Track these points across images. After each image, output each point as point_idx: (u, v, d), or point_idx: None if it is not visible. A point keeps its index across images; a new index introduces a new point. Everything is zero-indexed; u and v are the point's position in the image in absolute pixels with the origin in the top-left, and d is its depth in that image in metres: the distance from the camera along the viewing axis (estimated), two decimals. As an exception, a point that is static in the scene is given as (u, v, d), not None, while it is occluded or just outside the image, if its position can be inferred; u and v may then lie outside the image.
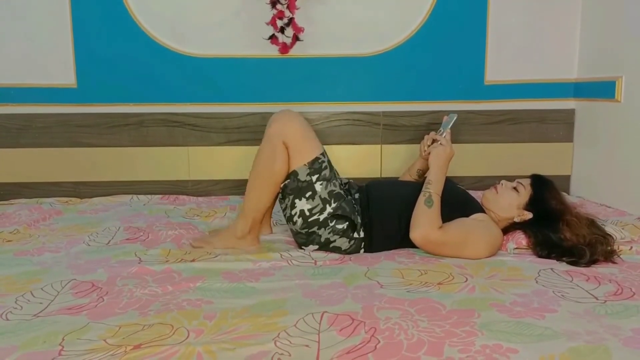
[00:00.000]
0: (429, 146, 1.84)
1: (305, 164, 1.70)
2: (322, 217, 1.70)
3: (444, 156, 1.75)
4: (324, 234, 1.71)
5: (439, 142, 1.78)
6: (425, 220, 1.62)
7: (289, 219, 1.75)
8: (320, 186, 1.71)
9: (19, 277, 1.45)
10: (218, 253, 1.66)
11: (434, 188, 1.68)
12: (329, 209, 1.71)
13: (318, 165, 1.72)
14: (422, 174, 1.96)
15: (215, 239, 1.77)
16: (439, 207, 1.66)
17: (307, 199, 1.70)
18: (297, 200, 1.71)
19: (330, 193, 1.72)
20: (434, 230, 1.61)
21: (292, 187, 1.71)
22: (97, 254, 1.65)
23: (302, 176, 1.70)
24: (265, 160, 1.71)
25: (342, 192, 1.76)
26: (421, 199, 1.67)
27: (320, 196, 1.71)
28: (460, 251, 1.62)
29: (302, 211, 1.71)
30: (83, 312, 1.22)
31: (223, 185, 2.58)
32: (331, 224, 1.70)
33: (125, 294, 1.33)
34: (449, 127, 1.81)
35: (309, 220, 1.71)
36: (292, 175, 1.71)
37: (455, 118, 1.83)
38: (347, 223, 1.71)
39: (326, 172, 1.73)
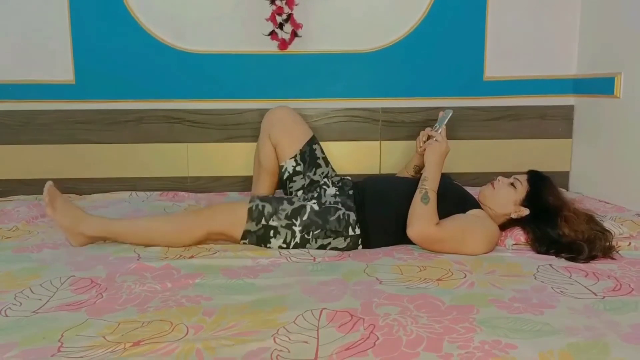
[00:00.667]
0: (424, 142, 1.84)
1: (247, 221, 1.68)
2: (298, 238, 1.70)
3: (439, 152, 1.75)
4: (314, 244, 1.71)
5: (434, 139, 1.78)
6: (421, 217, 1.62)
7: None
8: (275, 221, 1.70)
9: (18, 274, 1.44)
10: (217, 250, 1.66)
11: (429, 185, 1.68)
12: (297, 229, 1.70)
13: (257, 213, 1.69)
14: (419, 170, 1.96)
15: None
16: (435, 204, 1.66)
17: (274, 237, 1.70)
18: (269, 245, 1.71)
19: (287, 217, 1.71)
20: (430, 226, 1.61)
21: (254, 242, 1.71)
22: (96, 251, 1.65)
23: (253, 228, 1.69)
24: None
25: (300, 202, 1.75)
26: (417, 195, 1.67)
27: (281, 226, 1.70)
28: (458, 247, 1.62)
29: (280, 247, 1.71)
30: (82, 309, 1.22)
31: (222, 182, 2.58)
32: (310, 236, 1.70)
33: (125, 290, 1.33)
34: (445, 123, 1.81)
35: (292, 247, 1.71)
36: (246, 234, 1.69)
37: (450, 114, 1.83)
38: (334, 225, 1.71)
39: (268, 208, 1.70)
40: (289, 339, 1.06)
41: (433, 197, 1.66)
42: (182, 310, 1.21)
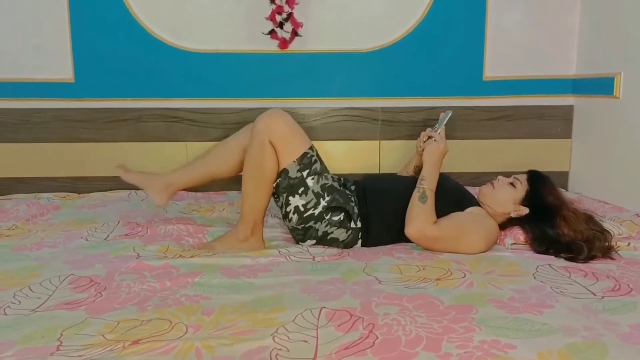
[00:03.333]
0: (424, 142, 1.84)
1: (294, 161, 1.70)
2: (317, 211, 1.71)
3: (438, 152, 1.76)
4: (321, 227, 1.71)
5: (433, 139, 1.79)
6: (419, 216, 1.63)
7: (285, 216, 1.75)
8: (312, 181, 1.71)
9: (17, 272, 1.44)
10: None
11: (427, 184, 1.69)
12: (323, 202, 1.71)
13: (307, 161, 1.72)
14: (419, 171, 1.96)
15: (219, 244, 1.73)
16: (433, 203, 1.66)
17: (300, 195, 1.70)
18: (290, 198, 1.71)
19: (322, 187, 1.72)
20: (428, 225, 1.61)
21: (284, 185, 1.71)
22: (95, 249, 1.65)
23: (293, 173, 1.70)
24: (254, 161, 1.69)
25: (334, 184, 1.76)
26: (415, 195, 1.68)
27: (313, 191, 1.71)
28: (456, 246, 1.62)
29: (296, 207, 1.71)
30: (81, 307, 1.22)
31: (221, 181, 2.57)
32: (327, 217, 1.71)
33: (124, 289, 1.33)
34: (444, 123, 1.83)
35: (305, 215, 1.71)
36: (282, 173, 1.70)
37: (449, 115, 1.85)
38: (343, 214, 1.72)
39: (317, 167, 1.73)
40: (288, 338, 1.06)
41: (431, 196, 1.67)
42: (181, 309, 1.21)
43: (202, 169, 1.89)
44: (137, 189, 2.50)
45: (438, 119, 1.86)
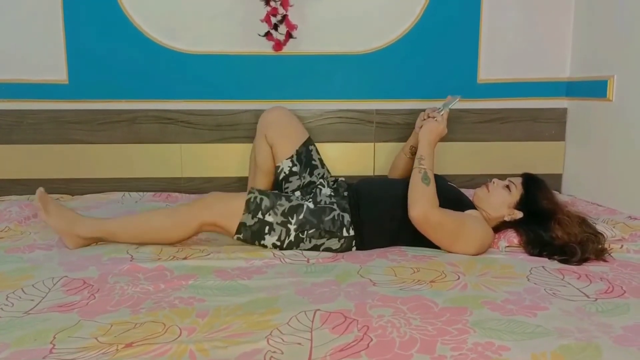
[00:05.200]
0: (423, 121, 1.84)
1: (243, 213, 1.67)
2: (293, 237, 1.69)
3: (436, 132, 1.76)
4: (307, 244, 1.71)
5: (434, 119, 1.78)
6: (424, 198, 1.62)
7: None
8: (271, 216, 1.69)
9: (10, 274, 1.44)
10: (211, 251, 1.65)
11: (427, 164, 1.69)
12: (292, 228, 1.69)
13: (254, 205, 1.68)
14: (415, 152, 1.96)
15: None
16: (434, 185, 1.66)
17: (269, 233, 1.69)
18: (263, 242, 1.70)
19: (283, 213, 1.70)
20: (434, 208, 1.61)
21: (248, 237, 1.70)
22: (89, 251, 1.64)
23: (249, 221, 1.68)
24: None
25: (297, 201, 1.74)
26: (416, 175, 1.67)
27: (276, 223, 1.69)
28: (453, 240, 1.62)
29: (274, 244, 1.70)
30: (74, 310, 1.21)
31: (216, 183, 2.57)
32: (304, 235, 1.69)
33: (117, 291, 1.32)
34: (449, 107, 1.82)
35: (285, 246, 1.70)
36: (241, 227, 1.68)
37: (457, 100, 1.84)
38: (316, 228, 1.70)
39: (265, 202, 1.69)
40: (283, 340, 1.06)
41: (432, 177, 1.67)
42: (175, 312, 1.20)
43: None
44: (130, 190, 2.51)
45: (444, 101, 1.85)
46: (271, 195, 1.74)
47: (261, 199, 1.70)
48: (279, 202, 1.72)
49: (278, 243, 1.69)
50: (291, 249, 1.70)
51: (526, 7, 2.55)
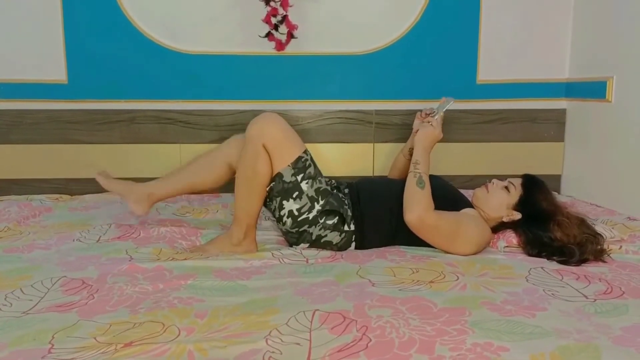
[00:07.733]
0: (420, 123, 1.85)
1: (289, 165, 1.69)
2: (311, 215, 1.70)
3: (431, 137, 1.77)
4: (315, 231, 1.71)
5: (430, 123, 1.79)
6: (420, 202, 1.62)
7: (279, 220, 1.75)
8: (306, 185, 1.71)
9: (9, 274, 1.43)
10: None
11: (422, 168, 1.70)
12: (317, 207, 1.71)
13: (302, 165, 1.71)
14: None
15: (211, 247, 1.72)
16: (430, 189, 1.66)
17: (295, 199, 1.70)
18: (284, 202, 1.71)
19: (317, 190, 1.72)
20: (429, 212, 1.61)
21: (278, 189, 1.70)
22: (88, 251, 1.64)
23: (287, 177, 1.69)
24: (248, 165, 1.68)
25: (328, 188, 1.76)
26: (412, 179, 1.68)
27: (307, 195, 1.70)
28: (450, 242, 1.62)
29: (290, 211, 1.71)
30: (73, 310, 1.21)
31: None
32: (321, 221, 1.71)
33: (116, 291, 1.32)
34: (443, 110, 1.82)
35: (299, 219, 1.71)
36: (277, 177, 1.70)
37: (451, 102, 1.84)
38: (337, 217, 1.72)
39: (311, 171, 1.73)
40: (281, 340, 1.06)
41: (427, 181, 1.67)
42: (174, 312, 1.20)
43: (185, 180, 1.85)
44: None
45: (438, 104, 1.86)
46: (318, 169, 1.77)
47: (310, 164, 1.73)
48: (319, 179, 1.74)
49: (296, 213, 1.70)
50: (300, 227, 1.71)
51: (525, 8, 2.55)
